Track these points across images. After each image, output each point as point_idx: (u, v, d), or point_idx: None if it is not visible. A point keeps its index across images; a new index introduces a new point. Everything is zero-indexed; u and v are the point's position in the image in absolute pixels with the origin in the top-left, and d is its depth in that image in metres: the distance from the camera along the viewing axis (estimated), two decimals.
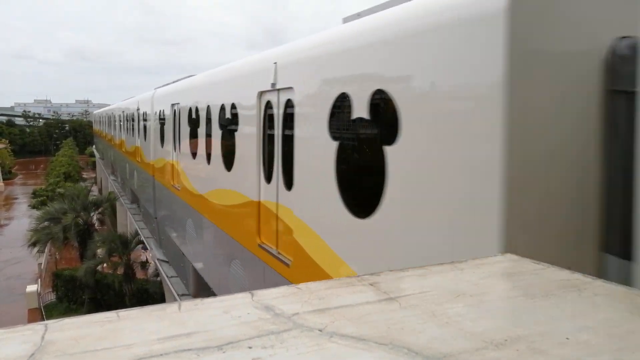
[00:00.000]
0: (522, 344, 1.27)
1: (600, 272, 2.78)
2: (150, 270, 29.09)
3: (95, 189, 56.13)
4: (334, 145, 4.76)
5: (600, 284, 1.74)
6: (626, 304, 1.54)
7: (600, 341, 1.29)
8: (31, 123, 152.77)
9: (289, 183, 5.89)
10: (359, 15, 5.31)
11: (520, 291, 1.68)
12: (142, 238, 20.65)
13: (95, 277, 28.12)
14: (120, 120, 26.64)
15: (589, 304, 1.56)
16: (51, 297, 31.88)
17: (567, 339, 1.30)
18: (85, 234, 30.55)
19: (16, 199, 70.12)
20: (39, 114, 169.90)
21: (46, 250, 34.51)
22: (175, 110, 12.23)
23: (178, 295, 12.74)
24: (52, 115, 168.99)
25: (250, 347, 1.21)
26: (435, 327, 1.38)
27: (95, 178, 74.69)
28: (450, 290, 1.71)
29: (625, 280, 2.39)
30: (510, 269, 1.96)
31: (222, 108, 8.35)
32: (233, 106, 7.76)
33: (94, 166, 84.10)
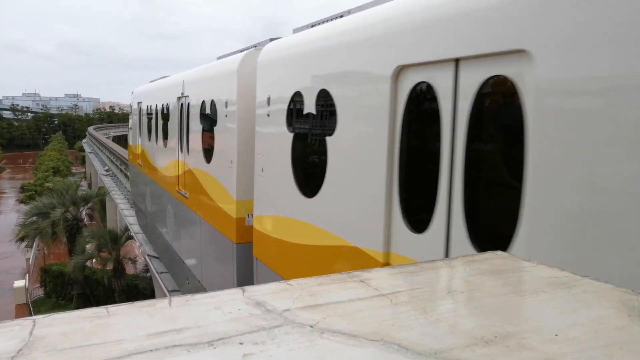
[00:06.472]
0: (512, 341, 1.27)
1: None
2: (140, 266, 28.94)
3: (84, 183, 55.70)
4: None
5: (589, 282, 1.76)
6: (614, 301, 1.56)
7: (589, 337, 1.31)
8: (19, 117, 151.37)
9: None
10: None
11: (511, 288, 1.69)
12: (132, 233, 20.52)
13: (85, 273, 27.96)
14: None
15: (578, 301, 1.57)
16: (39, 292, 31.66)
17: (557, 335, 1.31)
18: (74, 229, 30.37)
19: (4, 193, 69.46)
20: (28, 108, 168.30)
21: (34, 245, 34.26)
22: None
23: (168, 291, 12.70)
24: (41, 109, 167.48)
25: (241, 343, 1.21)
26: (426, 323, 1.38)
27: (84, 173, 74.16)
28: (441, 287, 1.72)
29: None
30: (500, 266, 1.98)
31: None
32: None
33: (83, 161, 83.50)
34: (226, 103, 7.82)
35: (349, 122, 4.82)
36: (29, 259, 35.35)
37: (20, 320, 1.34)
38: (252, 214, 7.29)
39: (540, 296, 1.61)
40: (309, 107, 5.54)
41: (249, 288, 1.61)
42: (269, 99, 6.53)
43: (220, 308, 1.44)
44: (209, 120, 8.71)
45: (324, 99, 5.24)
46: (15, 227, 32.48)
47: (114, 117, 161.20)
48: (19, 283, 29.43)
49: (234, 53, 8.89)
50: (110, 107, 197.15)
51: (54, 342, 1.20)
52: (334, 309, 1.46)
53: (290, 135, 5.98)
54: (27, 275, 32.47)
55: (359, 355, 1.19)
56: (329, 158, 5.10)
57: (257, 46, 7.82)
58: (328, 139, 5.11)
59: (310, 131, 5.70)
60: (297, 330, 1.30)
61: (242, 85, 7.37)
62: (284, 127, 6.11)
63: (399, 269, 1.92)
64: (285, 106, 6.08)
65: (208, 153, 8.82)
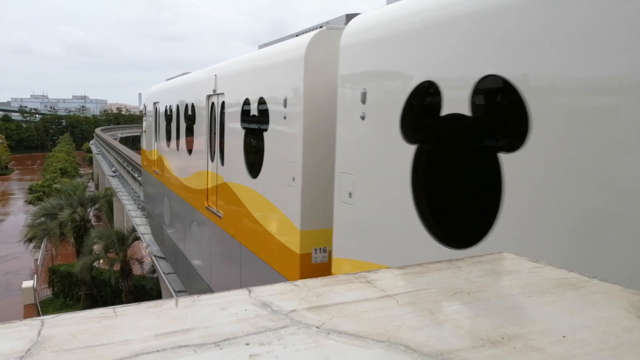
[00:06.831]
0: (519, 342, 1.27)
1: None
2: (147, 266, 29.09)
3: (92, 184, 56.10)
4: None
5: (597, 283, 1.75)
6: (622, 303, 1.55)
7: (597, 339, 1.30)
8: (28, 118, 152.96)
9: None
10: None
11: (518, 289, 1.68)
12: (139, 234, 20.63)
13: (92, 273, 28.13)
14: None
15: (586, 303, 1.56)
16: (47, 292, 31.89)
17: (564, 337, 1.30)
18: (81, 230, 30.57)
19: (12, 194, 70.09)
20: (36, 109, 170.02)
21: (42, 246, 34.53)
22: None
23: (175, 291, 12.76)
24: (49, 111, 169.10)
25: (247, 344, 1.21)
26: (433, 324, 1.38)
27: (92, 174, 74.69)
28: (447, 288, 1.71)
29: None
30: (507, 267, 1.97)
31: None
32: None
33: (90, 162, 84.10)
34: (285, 101, 5.99)
35: (566, 131, 2.80)
36: (37, 259, 35.63)
37: (28, 321, 1.35)
38: (322, 248, 5.70)
39: (547, 297, 1.61)
40: (455, 105, 3.60)
41: (255, 289, 1.61)
42: (364, 94, 4.66)
43: (227, 309, 1.44)
44: (256, 122, 6.97)
45: (495, 92, 3.31)
46: (23, 228, 32.75)
47: (120, 118, 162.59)
48: (28, 283, 29.65)
49: (279, 40, 7.17)
50: (118, 108, 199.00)
51: (62, 342, 1.21)
52: (340, 309, 1.46)
53: (411, 149, 4.05)
54: (35, 275, 32.71)
55: (365, 356, 1.19)
56: (506, 190, 3.18)
57: (326, 25, 6.00)
58: (504, 157, 3.17)
59: (458, 143, 3.70)
60: (304, 330, 1.30)
61: (310, 77, 5.56)
62: (396, 135, 4.20)
63: (405, 270, 1.91)
64: (399, 104, 4.17)
65: (254, 165, 7.00)
